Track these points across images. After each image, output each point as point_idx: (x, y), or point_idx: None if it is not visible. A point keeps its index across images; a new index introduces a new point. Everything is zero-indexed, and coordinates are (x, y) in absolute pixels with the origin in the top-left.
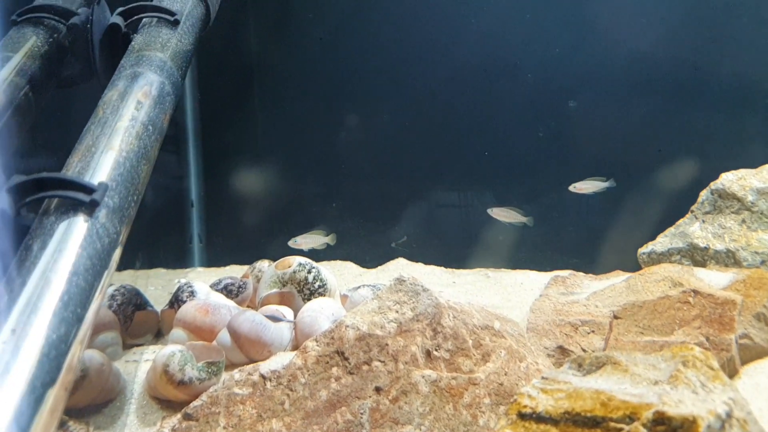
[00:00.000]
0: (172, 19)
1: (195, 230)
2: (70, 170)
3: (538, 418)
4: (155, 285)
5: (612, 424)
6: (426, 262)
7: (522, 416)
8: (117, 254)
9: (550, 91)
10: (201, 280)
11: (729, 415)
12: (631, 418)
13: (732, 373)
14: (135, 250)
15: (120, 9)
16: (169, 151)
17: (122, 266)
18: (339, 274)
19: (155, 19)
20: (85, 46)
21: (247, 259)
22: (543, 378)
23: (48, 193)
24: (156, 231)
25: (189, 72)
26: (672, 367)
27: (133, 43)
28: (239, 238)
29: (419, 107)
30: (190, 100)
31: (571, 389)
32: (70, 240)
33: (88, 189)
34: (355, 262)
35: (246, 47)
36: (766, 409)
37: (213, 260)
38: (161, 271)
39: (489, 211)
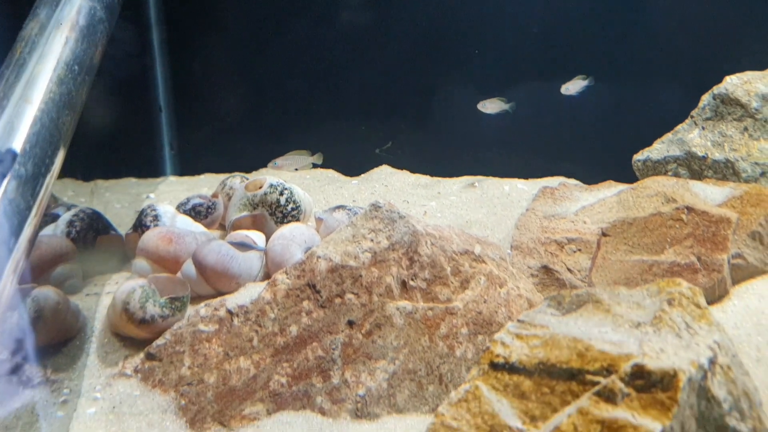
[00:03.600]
0: None
1: (165, 137)
2: None
3: (511, 368)
4: (121, 201)
5: (588, 377)
6: (412, 170)
7: (494, 366)
8: (28, 232)
9: None
10: (171, 191)
11: (712, 362)
12: (608, 371)
13: (722, 294)
14: (103, 158)
15: None
16: (134, 53)
17: (91, 176)
18: (318, 184)
19: None
20: None
21: (222, 166)
22: (519, 321)
23: None
24: (124, 138)
25: None
26: (657, 306)
27: None
28: (213, 145)
29: (404, 2)
30: None
31: (548, 335)
32: None
33: None
34: (337, 170)
35: None
36: (755, 334)
37: (186, 168)
38: (131, 180)
39: (479, 105)
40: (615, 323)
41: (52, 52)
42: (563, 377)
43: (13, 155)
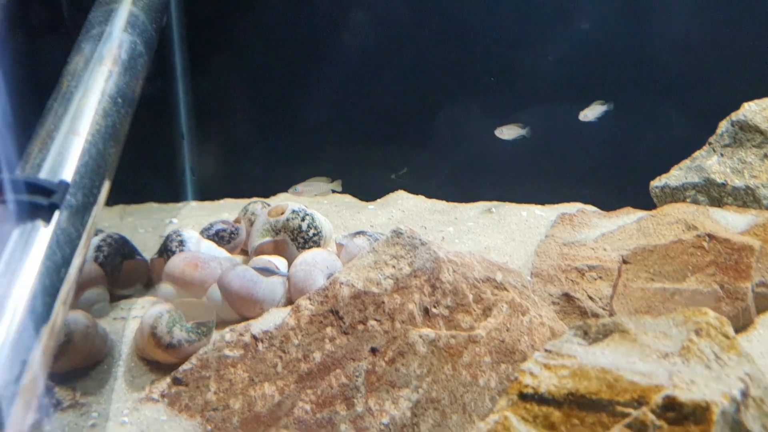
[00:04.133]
0: None
1: (187, 163)
2: (30, 161)
3: (540, 399)
4: (145, 226)
5: (619, 408)
6: (428, 195)
7: (523, 397)
8: (79, 260)
9: (561, 11)
10: (193, 216)
11: (744, 395)
12: (639, 402)
13: (747, 323)
14: (125, 184)
15: None
16: (157, 80)
17: (112, 201)
18: (336, 209)
19: None
20: None
21: (242, 192)
22: (546, 351)
23: (1, 198)
24: (146, 164)
25: None
26: (684, 336)
27: None
28: (232, 171)
29: (421, 27)
30: (176, 25)
31: (576, 366)
32: (28, 255)
33: (47, 190)
34: (354, 195)
35: None
36: None
37: (206, 193)
38: (153, 206)
39: (496, 131)
40: (642, 353)
41: (97, 85)
42: (593, 408)
43: (66, 186)
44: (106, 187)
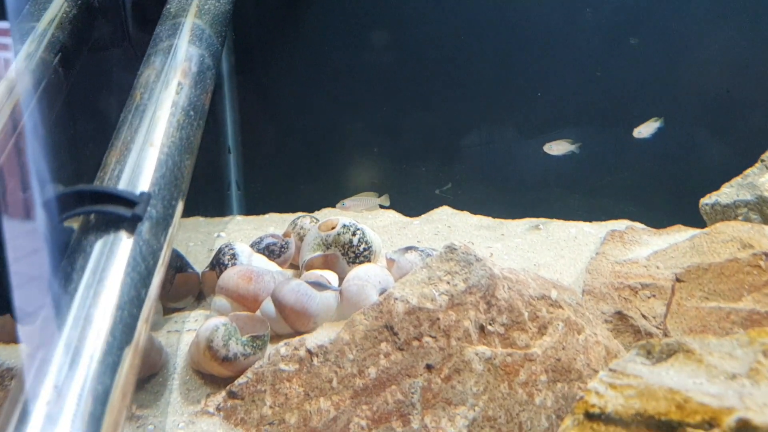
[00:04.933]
0: None
1: (233, 177)
2: (108, 173)
3: (607, 419)
4: (194, 240)
5: (690, 429)
6: (472, 211)
7: (589, 417)
8: (160, 277)
9: (610, 27)
10: (240, 230)
11: None
12: (710, 424)
13: None
14: None
15: None
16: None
17: None
18: (381, 225)
19: None
20: (116, 6)
21: (287, 206)
22: (611, 370)
23: (86, 209)
24: (194, 179)
25: None
26: (751, 357)
27: (168, 5)
28: (278, 185)
29: (468, 43)
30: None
31: (643, 386)
32: (112, 266)
33: (129, 201)
34: (398, 210)
35: None
36: None
37: (251, 208)
38: (200, 220)
39: (545, 147)
40: (709, 374)
41: (169, 97)
42: (662, 429)
43: (148, 197)
44: (182, 200)
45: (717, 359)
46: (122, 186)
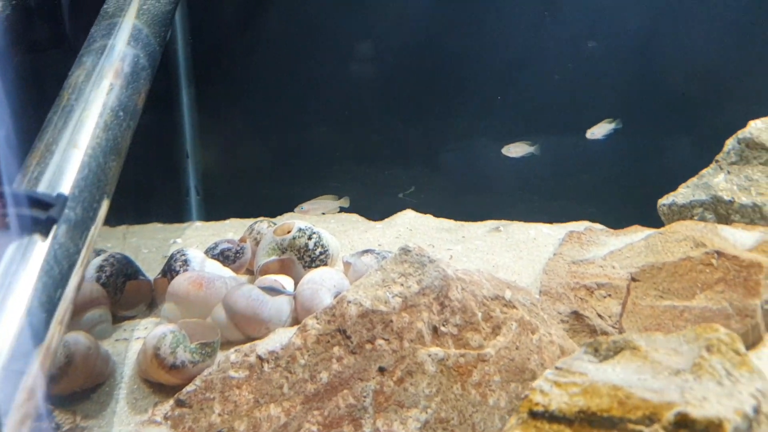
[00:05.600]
0: None
1: (191, 182)
2: (28, 175)
3: (551, 417)
4: (149, 247)
5: (630, 425)
6: (435, 214)
7: (533, 415)
8: (77, 278)
9: (568, 31)
10: (198, 236)
11: (756, 411)
12: (651, 419)
13: (756, 340)
14: (129, 204)
15: None
16: (161, 99)
17: (116, 222)
18: (342, 229)
19: None
20: (53, 6)
21: (248, 211)
22: (557, 368)
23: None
24: (150, 184)
25: (180, 13)
26: (695, 352)
27: (105, 5)
28: (238, 190)
29: (429, 48)
30: (182, 43)
31: (587, 383)
32: (24, 270)
33: (45, 204)
34: (361, 214)
35: None
36: None
37: (211, 213)
38: (157, 226)
39: (503, 150)
40: (654, 370)
41: (98, 98)
42: (604, 426)
43: (64, 200)
44: (106, 202)
45: (663, 355)
46: (42, 188)
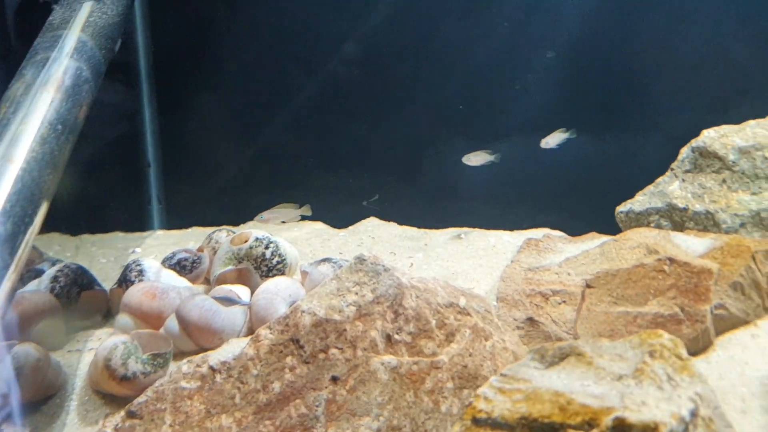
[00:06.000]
0: None
1: (153, 191)
2: None
3: (494, 424)
4: (107, 256)
5: (570, 431)
6: (399, 222)
7: (477, 422)
8: (5, 289)
9: (526, 41)
10: (158, 245)
11: (694, 415)
12: (590, 425)
13: (706, 345)
14: (90, 213)
15: None
16: (123, 108)
17: (77, 231)
18: (305, 237)
19: None
20: None
21: (211, 220)
22: (502, 375)
23: None
24: (111, 193)
25: (141, 22)
26: (639, 358)
27: (50, 18)
28: (201, 198)
29: (391, 58)
30: (143, 52)
31: (531, 389)
32: None
33: None
34: (325, 222)
35: None
36: (740, 385)
37: (174, 222)
38: (118, 235)
39: (464, 159)
40: (597, 376)
41: (37, 111)
42: (545, 431)
43: None
44: (41, 214)
45: (607, 361)
46: None
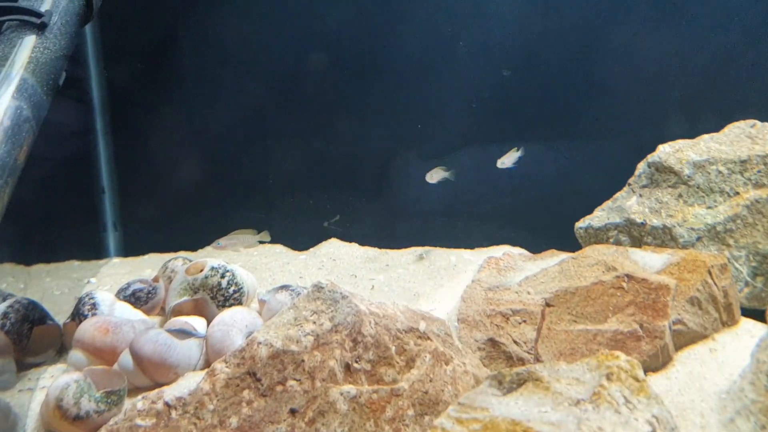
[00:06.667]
0: (38, 21)
1: (109, 218)
2: None
3: None
4: (62, 287)
5: None
6: (360, 243)
7: None
8: None
9: (484, 60)
10: (114, 274)
11: None
12: None
13: (666, 361)
14: (44, 242)
15: None
16: (75, 135)
17: (32, 261)
18: (265, 261)
19: (18, 23)
20: None
21: (168, 246)
22: (460, 404)
23: None
24: (65, 221)
25: (94, 47)
26: (596, 381)
27: None
28: (157, 224)
29: (352, 77)
30: (96, 77)
31: (488, 419)
32: None
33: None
34: (285, 245)
35: (158, 18)
36: (699, 401)
37: (130, 249)
38: (74, 263)
39: (426, 176)
40: (555, 401)
41: None
42: None
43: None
44: None
45: (564, 386)
46: None
